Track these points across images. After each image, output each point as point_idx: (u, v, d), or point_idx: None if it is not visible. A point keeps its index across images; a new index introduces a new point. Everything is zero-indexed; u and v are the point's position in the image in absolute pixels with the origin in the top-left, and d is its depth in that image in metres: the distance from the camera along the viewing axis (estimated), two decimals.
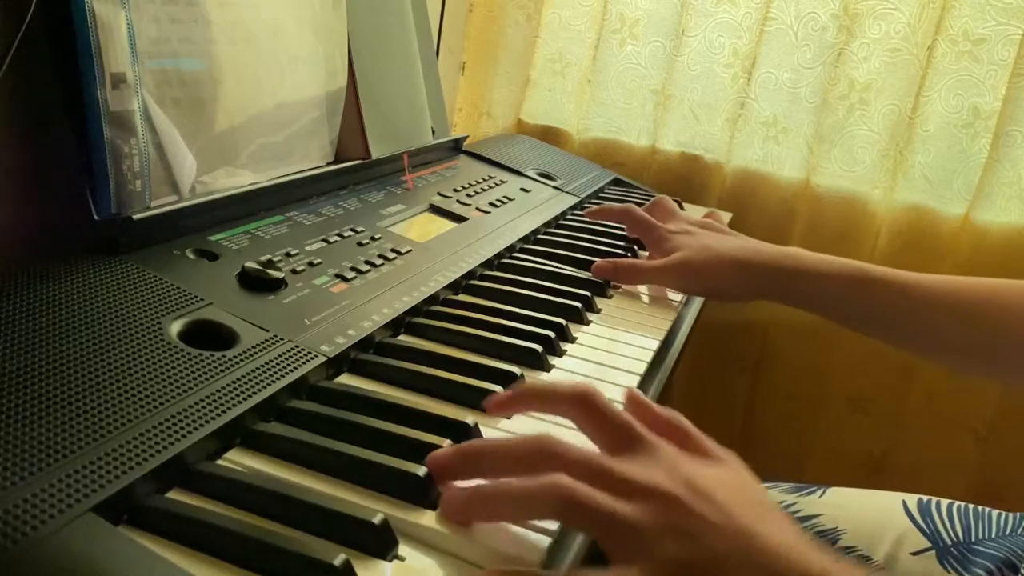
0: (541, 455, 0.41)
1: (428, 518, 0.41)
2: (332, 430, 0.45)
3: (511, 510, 0.41)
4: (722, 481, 0.41)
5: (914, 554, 0.69)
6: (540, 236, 0.90)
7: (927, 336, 0.72)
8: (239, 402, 0.44)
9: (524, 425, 0.51)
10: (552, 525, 0.41)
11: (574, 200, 1.05)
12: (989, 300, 0.69)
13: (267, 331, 0.51)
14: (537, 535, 0.41)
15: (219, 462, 0.42)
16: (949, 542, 0.69)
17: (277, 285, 0.57)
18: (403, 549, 0.38)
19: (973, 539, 0.70)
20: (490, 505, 0.41)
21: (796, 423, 1.34)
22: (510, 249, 0.83)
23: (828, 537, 0.72)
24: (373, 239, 0.71)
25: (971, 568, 0.67)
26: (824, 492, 0.77)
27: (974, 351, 0.70)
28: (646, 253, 0.93)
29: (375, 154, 0.84)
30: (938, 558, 0.68)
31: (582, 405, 0.44)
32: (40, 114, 0.53)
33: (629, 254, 0.88)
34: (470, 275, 0.73)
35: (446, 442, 0.45)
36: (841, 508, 0.74)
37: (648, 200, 1.14)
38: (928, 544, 0.69)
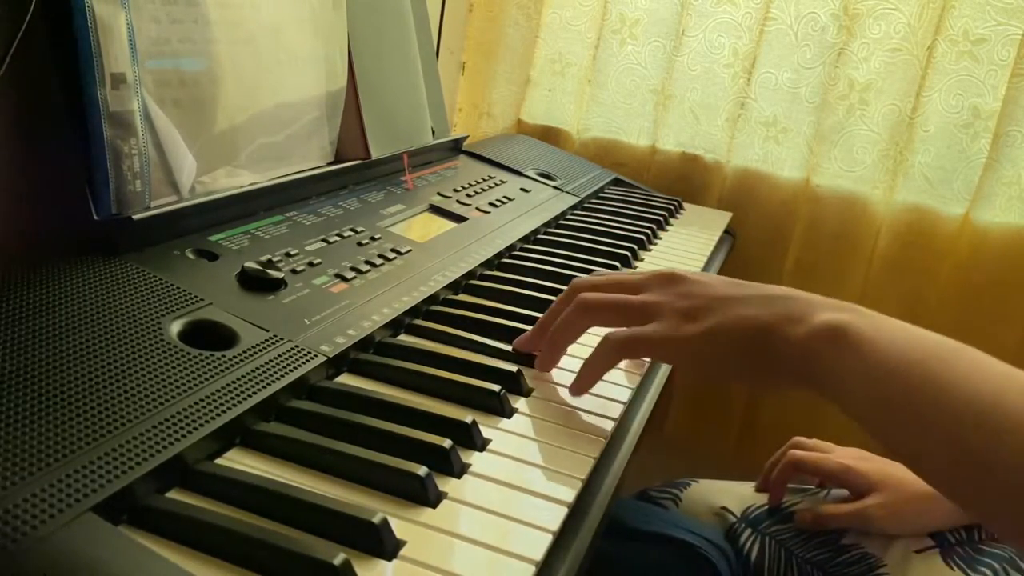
0: (571, 291, 0.56)
1: (428, 517, 0.41)
2: (332, 430, 0.45)
3: (566, 337, 0.56)
4: (716, 275, 0.54)
5: (918, 552, 0.69)
6: (540, 236, 0.90)
7: None
8: (239, 402, 0.44)
9: (523, 421, 0.51)
10: (552, 525, 0.42)
11: (574, 200, 1.05)
12: None
13: (267, 331, 0.51)
14: (539, 534, 0.41)
15: (219, 462, 0.42)
16: (953, 541, 0.70)
17: (277, 285, 0.57)
18: (403, 548, 0.38)
19: (977, 538, 0.70)
20: (555, 342, 0.56)
21: (796, 423, 1.34)
22: (510, 249, 0.83)
23: (831, 534, 0.72)
24: (373, 239, 0.71)
25: (977, 567, 0.67)
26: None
27: None
28: (644, 255, 0.93)
29: (375, 154, 0.84)
30: (942, 556, 0.68)
31: (587, 311, 0.54)
32: (40, 114, 0.53)
33: (630, 254, 0.87)
34: (470, 275, 0.73)
35: (446, 442, 0.45)
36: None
37: (649, 199, 1.15)
38: (932, 543, 0.69)
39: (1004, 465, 0.38)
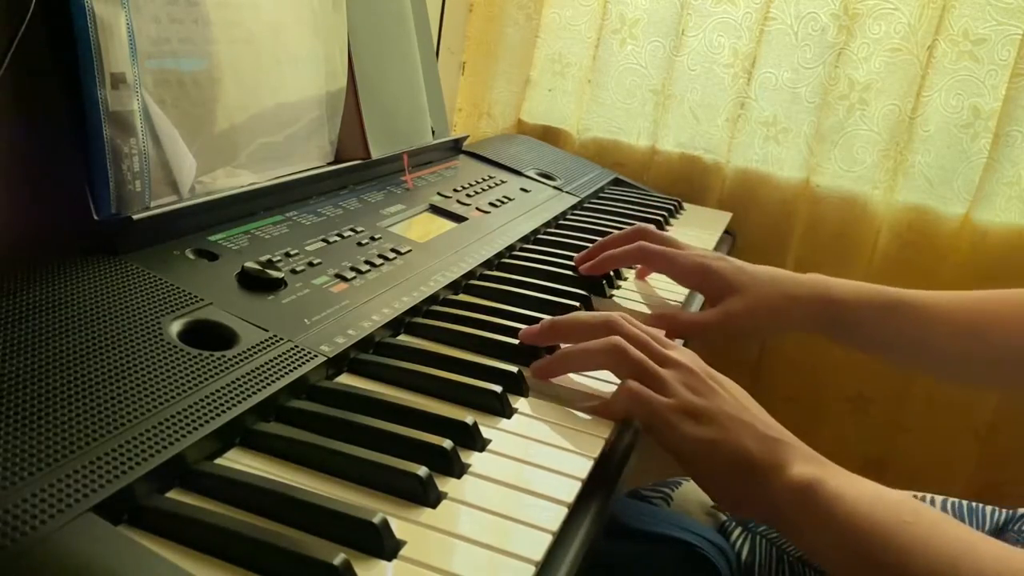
0: (607, 326, 0.56)
1: (428, 517, 0.41)
2: (332, 430, 0.45)
3: (579, 365, 0.57)
4: (732, 384, 0.55)
5: None
6: (540, 236, 0.90)
7: (933, 355, 0.72)
8: (239, 402, 0.44)
9: (523, 422, 0.51)
10: (552, 525, 0.42)
11: (574, 200, 1.05)
12: (993, 315, 0.68)
13: (267, 331, 0.51)
14: (539, 534, 0.41)
15: (219, 462, 0.42)
16: None
17: (277, 285, 0.57)
18: (403, 548, 0.38)
19: None
20: (568, 362, 0.57)
21: (796, 424, 1.34)
22: (510, 249, 0.83)
23: None
24: (373, 239, 0.71)
25: None
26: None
27: (974, 366, 0.71)
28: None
29: (375, 154, 0.84)
30: None
31: (615, 354, 0.55)
32: (40, 114, 0.53)
33: None
34: (470, 275, 0.73)
35: (446, 442, 0.45)
36: None
37: (649, 199, 1.15)
38: None
39: None
